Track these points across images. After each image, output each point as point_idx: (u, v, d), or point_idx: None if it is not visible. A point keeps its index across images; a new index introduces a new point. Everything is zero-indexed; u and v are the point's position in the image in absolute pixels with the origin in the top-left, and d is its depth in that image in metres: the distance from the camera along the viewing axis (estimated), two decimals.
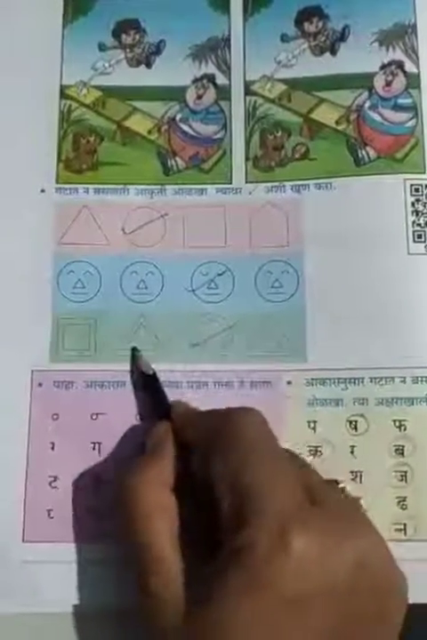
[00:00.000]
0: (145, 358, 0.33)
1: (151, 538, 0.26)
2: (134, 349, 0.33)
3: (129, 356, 0.33)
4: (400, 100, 0.36)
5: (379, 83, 0.36)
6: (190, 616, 0.24)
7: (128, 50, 0.37)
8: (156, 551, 0.26)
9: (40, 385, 0.33)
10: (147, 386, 0.32)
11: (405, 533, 0.31)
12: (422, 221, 0.34)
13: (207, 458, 0.26)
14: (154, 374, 0.32)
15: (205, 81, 0.37)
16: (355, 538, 0.24)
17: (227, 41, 0.37)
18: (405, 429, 0.32)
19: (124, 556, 0.28)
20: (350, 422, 0.33)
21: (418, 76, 0.36)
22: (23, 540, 0.32)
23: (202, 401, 0.32)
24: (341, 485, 0.28)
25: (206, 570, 0.24)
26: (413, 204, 0.34)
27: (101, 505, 0.32)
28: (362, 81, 0.36)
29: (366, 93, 0.36)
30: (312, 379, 0.33)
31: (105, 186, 0.35)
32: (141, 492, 0.26)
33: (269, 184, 0.35)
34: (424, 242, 0.34)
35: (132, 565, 0.27)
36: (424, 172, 0.35)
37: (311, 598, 0.22)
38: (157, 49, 0.37)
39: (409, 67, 0.36)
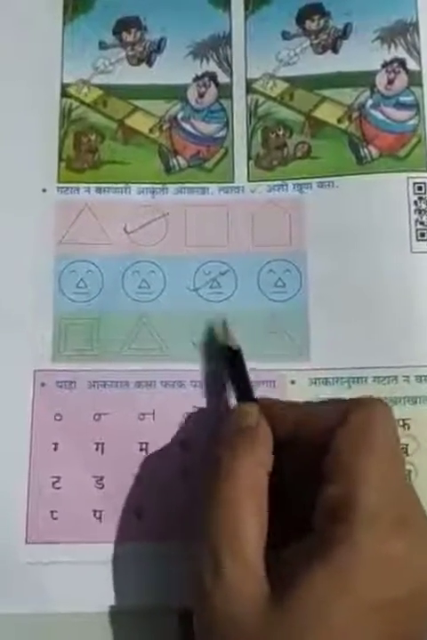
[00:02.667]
0: (233, 333, 0.32)
1: (242, 520, 0.25)
2: (224, 322, 0.32)
3: (132, 355, 0.33)
4: (402, 98, 0.36)
5: (381, 81, 0.36)
6: (271, 603, 0.23)
7: (129, 48, 0.37)
8: (243, 533, 0.25)
9: (43, 385, 0.33)
10: (232, 362, 0.31)
11: None
12: (425, 219, 0.34)
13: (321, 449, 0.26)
14: (239, 351, 0.31)
15: (206, 79, 0.37)
16: None
17: (228, 38, 0.37)
18: (409, 428, 0.32)
19: (199, 539, 0.26)
20: None
21: (420, 73, 0.36)
22: (26, 542, 0.32)
23: (204, 400, 0.33)
24: None
25: (288, 554, 0.24)
26: (416, 203, 0.34)
27: (104, 505, 0.32)
28: (364, 79, 0.36)
29: (368, 91, 0.36)
30: (316, 378, 0.33)
31: (106, 185, 0.35)
32: (241, 473, 0.26)
33: (272, 183, 0.35)
34: None
35: (204, 550, 0.25)
36: None
37: (396, 606, 0.23)
38: (158, 47, 0.37)
39: (411, 64, 0.36)
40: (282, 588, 0.23)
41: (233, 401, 0.31)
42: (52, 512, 0.32)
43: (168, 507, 0.32)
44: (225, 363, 0.32)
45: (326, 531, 0.24)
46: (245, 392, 0.30)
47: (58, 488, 0.32)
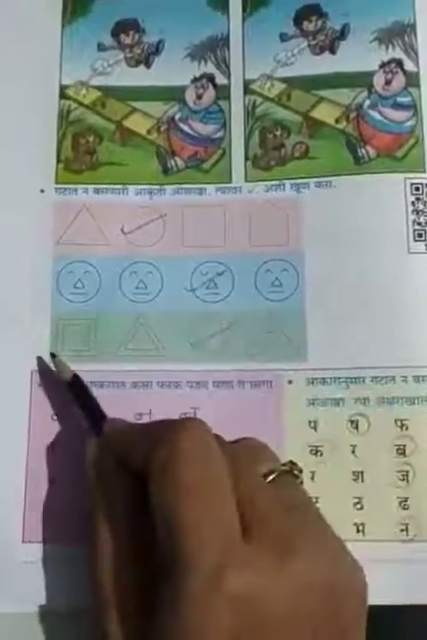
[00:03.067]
0: (63, 362, 0.32)
1: (95, 571, 0.26)
2: (52, 354, 0.32)
3: (129, 356, 0.33)
4: (400, 99, 0.36)
5: (378, 81, 0.36)
6: None
7: (127, 50, 0.37)
8: (100, 586, 0.25)
9: (40, 385, 0.33)
10: (72, 393, 0.31)
11: (407, 534, 0.31)
12: (422, 220, 0.34)
13: (146, 484, 0.24)
14: (76, 378, 0.31)
15: (204, 80, 0.37)
16: (293, 562, 0.22)
17: (226, 40, 0.37)
18: (406, 429, 0.32)
19: None
20: (352, 422, 0.32)
21: (417, 74, 0.36)
22: (23, 541, 0.31)
23: (202, 401, 0.32)
24: (295, 472, 0.26)
25: (146, 607, 0.23)
26: (413, 203, 0.34)
27: None
28: (362, 79, 0.36)
29: (365, 92, 0.36)
30: (313, 378, 0.33)
31: (104, 186, 0.35)
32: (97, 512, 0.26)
33: (269, 183, 0.35)
34: (425, 241, 0.34)
35: None
36: (424, 171, 0.35)
37: (252, 637, 0.22)
38: (156, 49, 0.37)
39: (409, 65, 0.36)
40: None
41: None
42: (49, 511, 0.32)
43: None
44: (70, 396, 0.32)
45: (165, 578, 0.23)
46: (94, 416, 0.31)
47: (55, 487, 0.32)
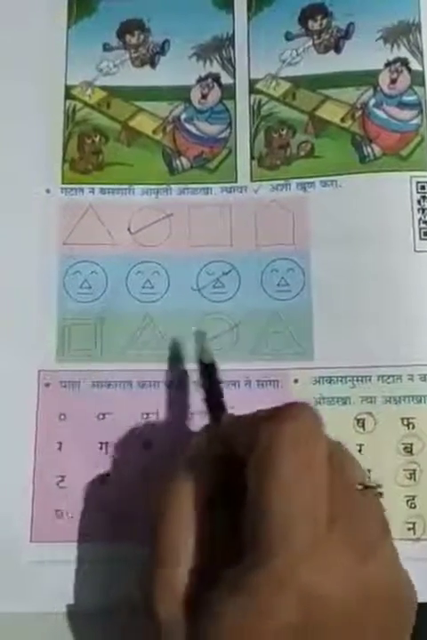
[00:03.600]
0: (208, 344, 0.31)
1: (169, 551, 0.25)
2: (197, 333, 0.32)
3: (136, 355, 0.33)
4: (405, 98, 0.36)
5: (384, 80, 0.36)
6: (192, 631, 0.23)
7: (133, 50, 0.37)
8: (171, 564, 0.25)
9: (47, 385, 0.33)
10: (204, 376, 0.31)
11: (414, 532, 0.31)
12: None
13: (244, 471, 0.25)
14: (213, 364, 0.31)
15: (209, 80, 0.37)
16: (371, 565, 0.23)
17: (231, 40, 0.37)
18: (413, 427, 0.32)
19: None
20: (358, 421, 0.32)
21: (423, 73, 0.36)
22: (31, 540, 0.32)
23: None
24: (379, 491, 0.26)
25: (215, 591, 0.24)
26: (419, 202, 0.34)
27: (109, 504, 0.32)
28: (367, 78, 0.36)
29: (370, 91, 0.36)
30: (319, 377, 0.33)
31: (110, 186, 0.35)
32: (171, 504, 0.26)
33: (275, 182, 0.35)
34: None
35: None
36: None
37: (315, 633, 0.22)
38: (162, 49, 0.37)
39: (414, 64, 0.36)
40: (201, 626, 0.23)
41: None
42: (56, 511, 0.32)
43: None
44: (201, 377, 0.31)
45: (242, 564, 0.23)
46: (214, 406, 0.30)
47: (62, 487, 0.32)
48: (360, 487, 0.26)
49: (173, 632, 0.24)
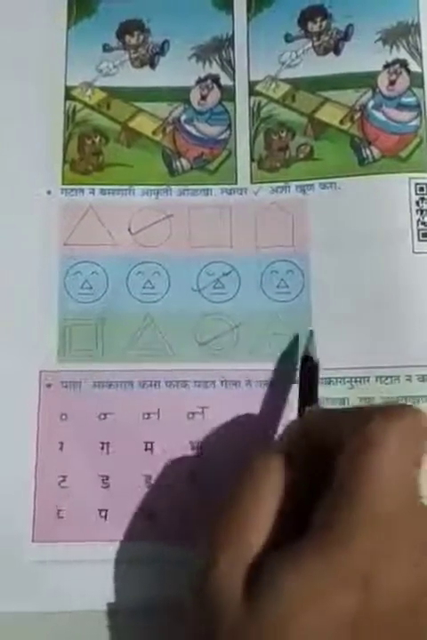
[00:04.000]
0: (315, 343, 0.32)
1: (250, 511, 0.25)
2: (311, 333, 0.33)
3: (137, 355, 0.33)
4: (404, 99, 0.36)
5: (383, 82, 0.36)
6: (247, 604, 0.23)
7: (132, 51, 0.37)
8: (250, 530, 0.25)
9: (48, 385, 0.33)
10: (307, 373, 0.32)
11: None
12: None
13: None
14: (317, 366, 0.32)
15: (209, 81, 0.37)
16: (423, 564, 0.24)
17: (231, 41, 0.37)
18: None
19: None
20: None
21: (422, 75, 0.36)
22: (33, 540, 0.32)
23: (210, 400, 0.33)
24: None
25: (276, 562, 0.24)
26: (417, 203, 0.34)
27: (110, 504, 0.32)
28: (366, 80, 0.36)
29: (369, 93, 0.36)
30: (319, 378, 0.33)
31: (111, 186, 0.36)
32: (261, 473, 0.26)
33: (275, 184, 0.35)
34: None
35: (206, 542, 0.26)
36: None
37: (370, 623, 0.23)
38: (161, 49, 0.37)
39: (413, 66, 0.36)
40: (260, 589, 0.23)
41: None
42: (58, 511, 0.32)
43: (174, 507, 0.32)
44: (300, 371, 0.32)
45: (309, 540, 0.23)
46: (307, 403, 0.31)
47: (64, 487, 0.32)
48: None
49: (230, 585, 0.24)
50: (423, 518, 0.25)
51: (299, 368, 0.32)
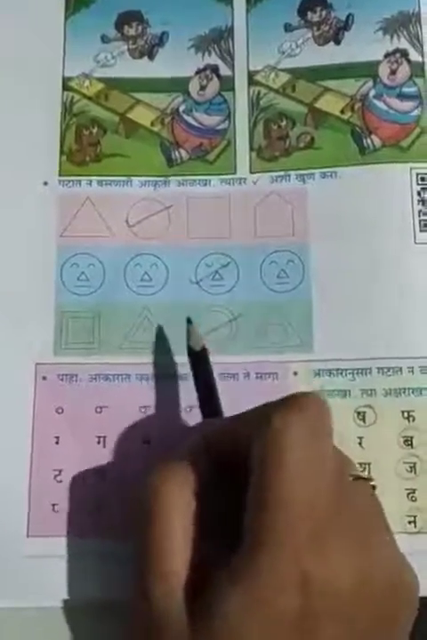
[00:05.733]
0: (197, 331, 0.31)
1: (163, 541, 0.25)
2: (188, 320, 0.32)
3: (134, 348, 0.33)
4: (405, 89, 0.36)
5: (383, 71, 0.36)
6: (192, 629, 0.23)
7: (131, 42, 0.37)
8: (166, 555, 0.25)
9: (44, 378, 0.33)
10: (194, 365, 0.31)
11: (415, 525, 0.31)
12: None
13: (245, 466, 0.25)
14: (203, 353, 0.31)
15: (208, 72, 0.36)
16: (363, 556, 0.23)
17: (230, 31, 0.37)
18: (413, 420, 0.32)
19: (133, 557, 0.26)
20: (358, 413, 0.32)
21: (423, 64, 0.36)
22: (28, 535, 0.31)
23: None
24: (372, 483, 0.26)
25: (215, 577, 0.24)
26: (419, 193, 0.34)
27: (106, 499, 0.32)
28: (366, 70, 0.36)
29: (370, 82, 0.36)
30: (319, 369, 0.33)
31: (108, 178, 0.35)
32: (162, 493, 0.25)
33: (274, 174, 0.35)
34: None
35: (135, 569, 0.26)
36: None
37: (316, 619, 0.22)
38: (160, 40, 0.37)
39: (414, 55, 0.36)
40: (202, 615, 0.23)
41: None
42: (53, 505, 0.32)
43: None
44: (191, 366, 0.31)
45: (242, 552, 0.23)
46: (206, 396, 0.30)
47: (59, 481, 0.32)
48: (351, 478, 0.26)
49: (171, 622, 0.24)
50: (358, 500, 0.25)
51: (190, 362, 0.31)
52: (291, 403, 0.25)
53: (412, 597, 0.25)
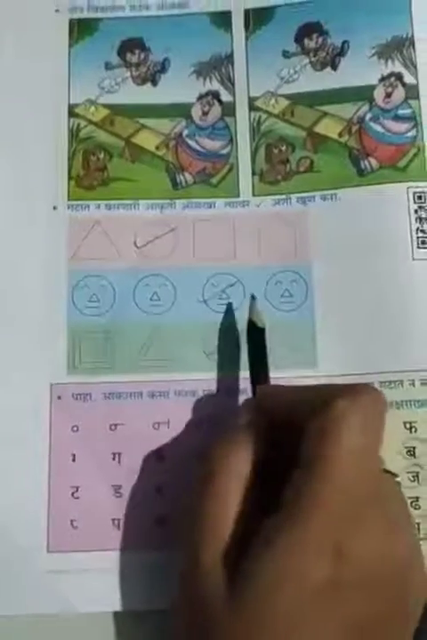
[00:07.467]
0: (260, 310, 0.33)
1: (223, 509, 0.26)
2: (252, 297, 0.33)
3: (145, 366, 0.34)
4: (400, 111, 0.37)
5: (379, 95, 0.37)
6: (230, 593, 0.24)
7: (134, 68, 0.38)
8: (222, 523, 0.26)
9: (59, 398, 0.34)
10: (253, 341, 0.33)
11: (419, 533, 0.32)
12: (425, 228, 0.35)
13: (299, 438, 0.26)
14: (263, 330, 0.32)
15: (209, 97, 0.38)
16: (391, 538, 0.25)
17: (230, 58, 0.38)
18: (415, 431, 0.33)
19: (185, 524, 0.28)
20: None
21: (417, 86, 0.37)
22: (48, 551, 0.32)
23: (218, 408, 0.34)
24: (397, 479, 0.28)
25: (252, 547, 0.25)
26: (416, 211, 0.35)
27: (123, 513, 0.33)
28: (363, 93, 0.37)
29: (366, 105, 0.37)
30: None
31: (116, 201, 0.36)
32: (226, 464, 0.27)
33: (276, 197, 0.36)
34: None
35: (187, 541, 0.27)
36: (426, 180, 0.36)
37: (343, 589, 0.24)
38: (162, 67, 0.38)
39: (408, 78, 0.37)
40: (240, 579, 0.24)
41: None
42: (71, 521, 0.33)
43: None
44: (247, 339, 0.33)
45: (279, 519, 0.25)
46: (259, 372, 0.32)
47: (77, 498, 0.33)
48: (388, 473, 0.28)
49: (215, 587, 0.25)
50: (388, 490, 0.27)
51: (247, 337, 0.33)
52: (353, 391, 0.26)
53: (424, 579, 0.27)
